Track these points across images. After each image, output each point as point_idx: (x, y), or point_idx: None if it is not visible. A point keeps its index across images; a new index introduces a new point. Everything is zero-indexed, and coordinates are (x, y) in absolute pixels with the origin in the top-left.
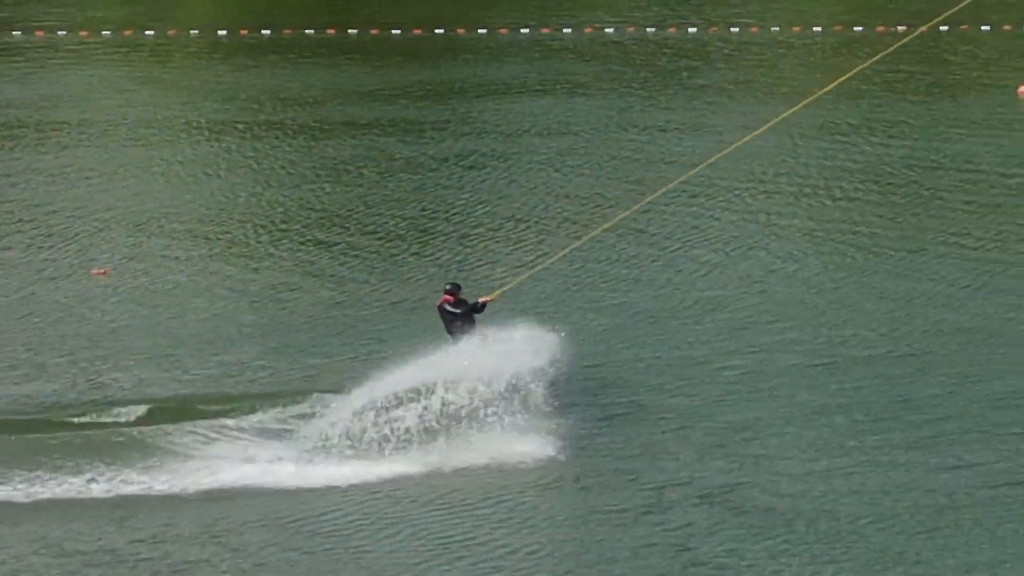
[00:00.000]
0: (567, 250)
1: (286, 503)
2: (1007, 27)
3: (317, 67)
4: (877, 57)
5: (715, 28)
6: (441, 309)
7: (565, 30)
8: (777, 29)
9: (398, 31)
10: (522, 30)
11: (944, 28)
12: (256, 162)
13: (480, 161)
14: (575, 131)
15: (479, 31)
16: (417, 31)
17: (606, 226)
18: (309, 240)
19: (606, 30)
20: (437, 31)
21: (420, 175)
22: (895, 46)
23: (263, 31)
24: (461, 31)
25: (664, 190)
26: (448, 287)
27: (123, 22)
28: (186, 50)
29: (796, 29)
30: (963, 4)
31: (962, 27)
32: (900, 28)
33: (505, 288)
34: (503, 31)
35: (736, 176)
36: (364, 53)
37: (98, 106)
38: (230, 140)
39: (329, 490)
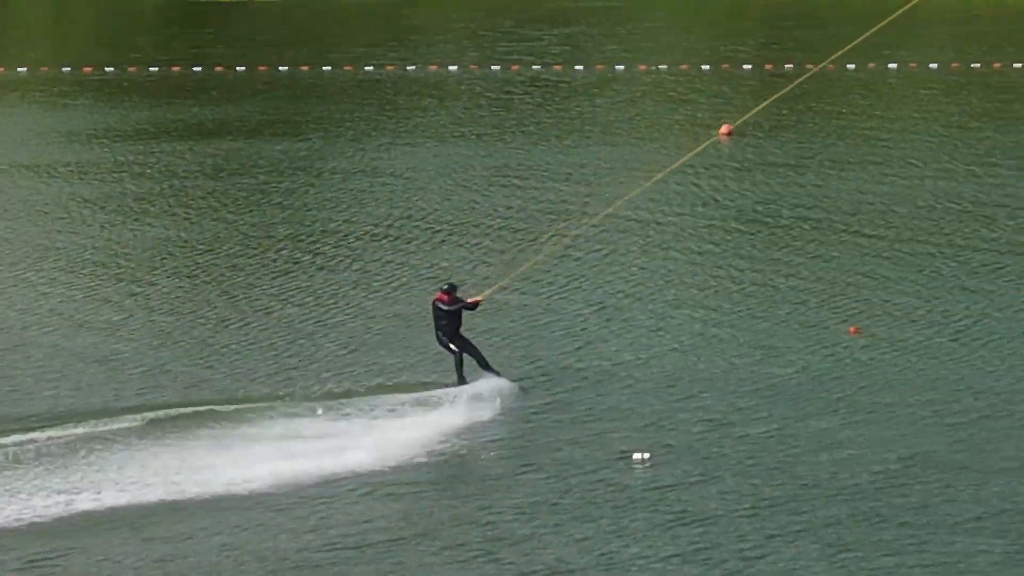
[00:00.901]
0: (530, 264)
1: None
2: (872, 65)
3: (149, 105)
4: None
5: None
6: (434, 306)
7: (416, 68)
8: (644, 67)
9: (285, 68)
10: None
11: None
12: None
13: (363, 198)
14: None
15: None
16: (305, 67)
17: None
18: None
19: (451, 68)
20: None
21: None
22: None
23: (105, 69)
24: (396, 68)
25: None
26: (445, 287)
27: None
28: (23, 89)
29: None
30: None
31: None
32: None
33: (490, 292)
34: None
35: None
36: (215, 89)
37: None
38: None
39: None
